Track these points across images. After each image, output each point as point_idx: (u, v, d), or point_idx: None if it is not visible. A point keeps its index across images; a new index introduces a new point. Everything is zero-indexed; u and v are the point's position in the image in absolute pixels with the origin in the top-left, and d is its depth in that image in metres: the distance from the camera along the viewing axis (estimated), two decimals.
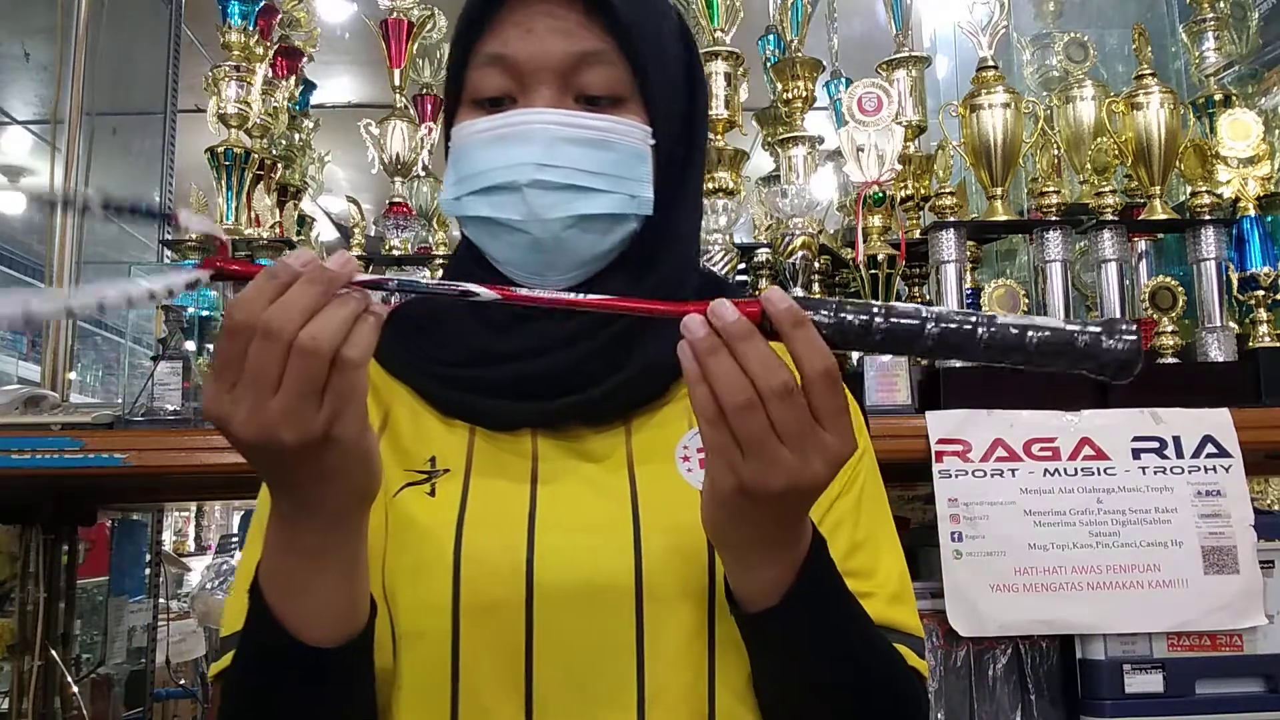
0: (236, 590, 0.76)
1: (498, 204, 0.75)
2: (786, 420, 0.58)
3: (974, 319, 0.58)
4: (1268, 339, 1.50)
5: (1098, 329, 0.57)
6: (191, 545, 5.07)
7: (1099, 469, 1.34)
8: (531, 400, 0.78)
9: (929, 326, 0.57)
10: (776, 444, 0.58)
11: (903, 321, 0.58)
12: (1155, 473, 1.34)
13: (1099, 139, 1.65)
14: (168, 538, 4.10)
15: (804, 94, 1.81)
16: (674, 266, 0.81)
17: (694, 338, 0.59)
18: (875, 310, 0.59)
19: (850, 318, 0.58)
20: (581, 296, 0.62)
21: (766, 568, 0.65)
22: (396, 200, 1.73)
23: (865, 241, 1.52)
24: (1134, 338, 0.57)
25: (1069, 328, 0.58)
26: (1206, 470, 1.34)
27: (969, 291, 1.57)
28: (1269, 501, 2.16)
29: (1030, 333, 0.57)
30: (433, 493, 0.76)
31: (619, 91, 0.77)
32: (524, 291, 0.62)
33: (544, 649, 0.71)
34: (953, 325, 0.57)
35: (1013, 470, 1.34)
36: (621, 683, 0.71)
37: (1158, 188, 1.63)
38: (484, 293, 0.61)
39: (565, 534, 0.73)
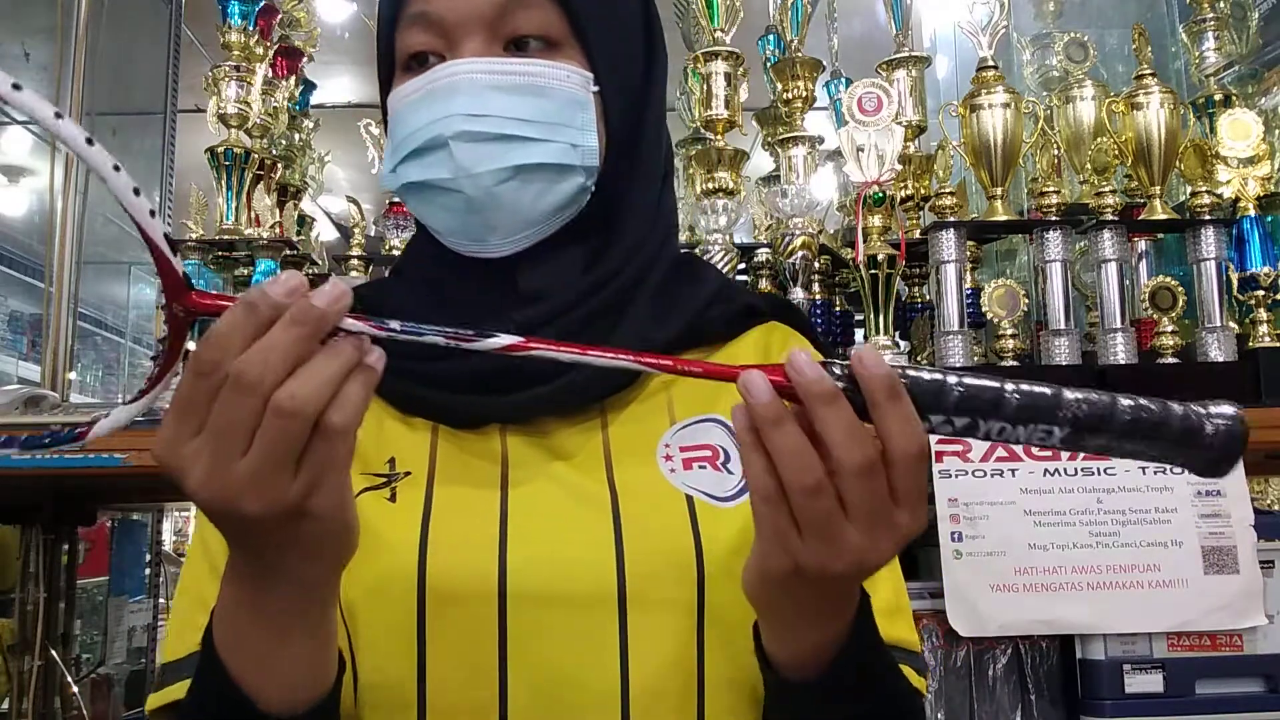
0: (177, 611, 0.70)
1: (427, 165, 0.70)
2: (861, 500, 0.50)
3: (1062, 389, 0.51)
4: (1268, 339, 1.50)
5: (1200, 409, 0.51)
6: None
7: (1099, 469, 1.34)
8: (497, 394, 0.72)
9: (1009, 393, 0.51)
10: (843, 523, 0.51)
11: (979, 382, 0.51)
12: (1155, 473, 1.34)
13: (1099, 139, 1.65)
14: (168, 538, 4.10)
15: (804, 94, 1.81)
16: (636, 239, 0.76)
17: (757, 402, 0.50)
18: (948, 376, 0.52)
19: (925, 378, 0.51)
20: (617, 354, 0.52)
21: (811, 634, 0.59)
22: (396, 200, 1.72)
23: (865, 241, 1.52)
24: (1230, 421, 0.51)
25: (1165, 404, 0.52)
26: None
27: (969, 291, 1.57)
28: (1269, 501, 2.15)
29: (1122, 404, 0.51)
30: (393, 498, 0.69)
31: (552, 35, 0.72)
32: (546, 348, 0.52)
33: (519, 672, 0.65)
34: (1035, 391, 0.51)
35: (1013, 470, 1.34)
36: (605, 710, 0.65)
37: (1158, 188, 1.63)
38: (501, 340, 0.52)
39: (540, 545, 0.67)
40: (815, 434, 0.50)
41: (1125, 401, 0.51)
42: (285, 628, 0.57)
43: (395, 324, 0.51)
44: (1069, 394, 0.51)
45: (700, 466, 0.72)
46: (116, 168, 0.47)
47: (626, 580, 0.66)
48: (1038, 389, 0.51)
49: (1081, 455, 1.34)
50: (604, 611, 0.66)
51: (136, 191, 0.48)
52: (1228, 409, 0.51)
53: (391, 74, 0.75)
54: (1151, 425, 0.51)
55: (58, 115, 0.46)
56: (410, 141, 0.71)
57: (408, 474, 0.71)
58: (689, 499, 0.70)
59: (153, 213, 0.49)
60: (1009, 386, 0.51)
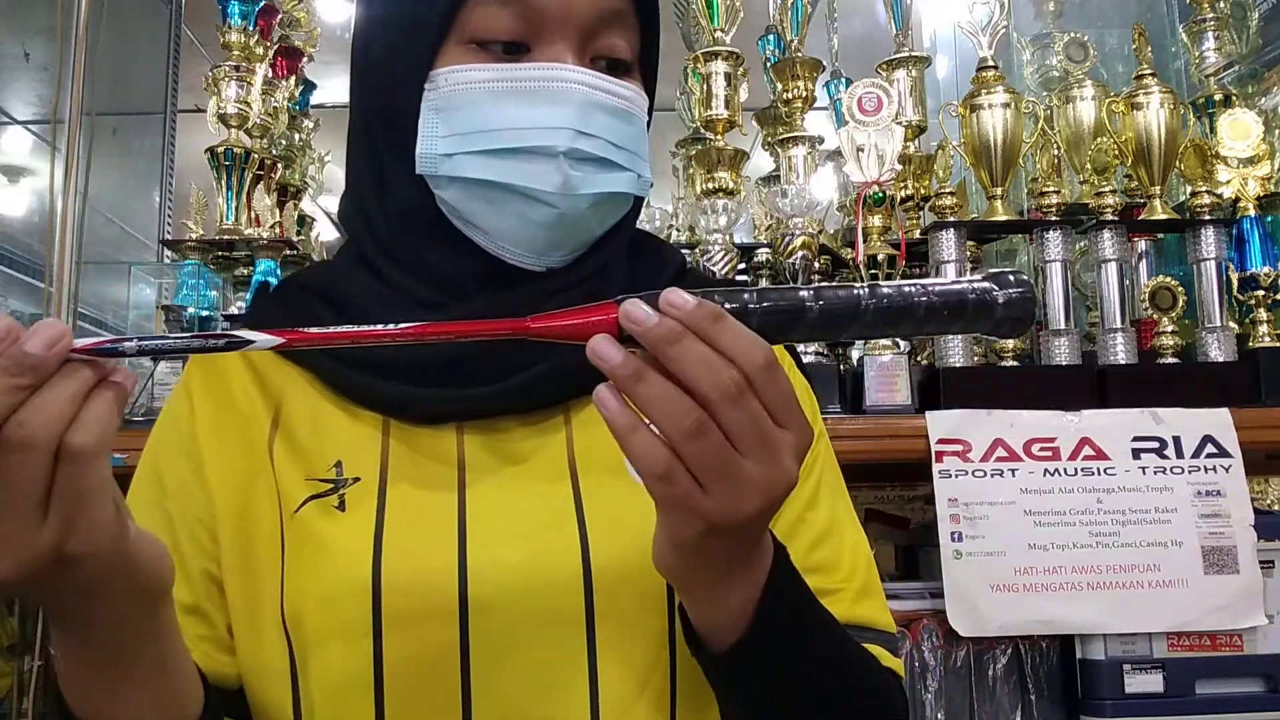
0: None
1: (522, 170, 0.64)
2: (743, 426, 0.48)
3: (856, 289, 0.52)
4: (1268, 339, 1.50)
5: (988, 284, 0.53)
6: None
7: (1099, 469, 1.34)
8: (456, 386, 0.67)
9: (809, 304, 0.52)
10: (739, 460, 0.48)
11: (782, 302, 0.52)
12: (1155, 473, 1.34)
13: (1099, 139, 1.65)
14: None
15: (804, 94, 1.81)
16: (620, 256, 0.74)
17: (611, 366, 0.47)
18: (749, 293, 0.52)
19: (730, 305, 0.51)
20: (397, 328, 0.49)
21: (733, 593, 0.56)
22: None
23: (865, 241, 1.52)
24: (1023, 289, 0.53)
25: (957, 286, 0.53)
26: (1206, 470, 1.34)
27: None
28: (1269, 501, 2.15)
29: (918, 297, 0.52)
30: (342, 506, 0.65)
31: (630, 57, 0.69)
32: (317, 331, 0.49)
33: (483, 694, 0.62)
34: (836, 298, 0.52)
35: (1013, 470, 1.34)
36: None
37: (1158, 188, 1.63)
38: (262, 339, 0.48)
39: (501, 554, 0.64)
40: (675, 380, 0.48)
41: (921, 295, 0.52)
42: (115, 666, 0.54)
43: (130, 343, 0.46)
44: (867, 297, 0.52)
45: None
46: None
47: (594, 592, 0.63)
48: (838, 296, 0.52)
49: (1082, 455, 1.35)
50: (571, 625, 0.63)
51: None
52: (1016, 279, 0.53)
53: (435, 44, 0.67)
54: (948, 310, 0.52)
55: None
56: (500, 138, 0.65)
57: (357, 480, 0.66)
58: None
59: None
60: (809, 297, 0.52)
